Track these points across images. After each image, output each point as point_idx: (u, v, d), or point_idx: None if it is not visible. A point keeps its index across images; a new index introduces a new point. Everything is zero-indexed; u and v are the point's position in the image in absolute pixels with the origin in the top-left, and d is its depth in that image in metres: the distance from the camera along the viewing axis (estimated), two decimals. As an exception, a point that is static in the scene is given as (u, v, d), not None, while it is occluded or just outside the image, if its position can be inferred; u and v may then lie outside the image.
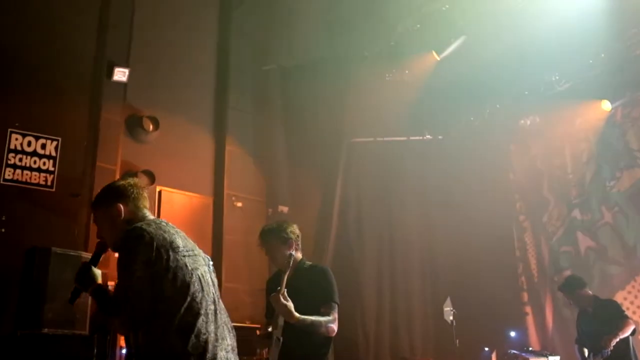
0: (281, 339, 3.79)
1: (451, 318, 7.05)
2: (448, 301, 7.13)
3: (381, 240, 9.62)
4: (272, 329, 3.85)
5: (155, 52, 8.78)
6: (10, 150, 6.79)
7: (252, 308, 8.18)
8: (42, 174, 6.91)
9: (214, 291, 2.89)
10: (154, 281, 2.66)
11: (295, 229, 4.24)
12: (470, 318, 7.84)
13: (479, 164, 9.58)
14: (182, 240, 2.87)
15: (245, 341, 4.62)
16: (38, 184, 6.85)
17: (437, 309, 8.80)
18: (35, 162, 6.89)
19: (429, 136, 10.06)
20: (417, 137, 10.04)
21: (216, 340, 2.74)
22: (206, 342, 2.69)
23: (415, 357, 8.19)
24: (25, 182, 6.80)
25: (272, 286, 4.22)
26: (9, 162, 6.77)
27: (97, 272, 2.92)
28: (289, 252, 4.09)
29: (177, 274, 2.72)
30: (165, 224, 2.89)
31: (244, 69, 9.68)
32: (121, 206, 2.95)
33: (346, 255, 9.18)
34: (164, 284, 2.68)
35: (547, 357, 6.79)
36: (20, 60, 7.03)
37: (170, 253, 2.74)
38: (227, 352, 2.78)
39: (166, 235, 2.79)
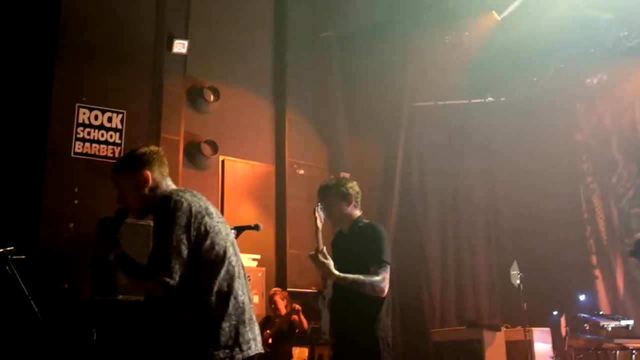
0: (327, 297, 3.79)
1: (518, 282, 6.96)
2: (515, 265, 7.03)
3: (444, 203, 9.56)
4: (322, 288, 3.85)
5: (213, 22, 8.84)
6: (78, 125, 7.00)
7: (316, 274, 8.24)
8: (110, 147, 7.10)
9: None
10: (194, 245, 2.72)
11: (355, 186, 4.15)
12: (538, 281, 7.72)
13: (543, 125, 9.33)
14: (213, 207, 2.92)
15: (312, 307, 4.69)
16: (106, 156, 7.05)
17: (503, 272, 8.71)
18: (102, 135, 7.09)
19: (491, 98, 9.85)
20: (479, 100, 9.84)
21: (250, 302, 2.84)
22: (243, 302, 2.78)
23: (481, 320, 8.14)
24: (94, 155, 7.01)
25: (335, 247, 4.22)
26: (78, 135, 6.98)
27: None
28: (348, 209, 4.07)
29: (215, 239, 2.79)
30: (195, 192, 2.92)
31: (302, 36, 9.66)
32: (148, 173, 2.93)
33: (410, 220, 9.16)
34: (203, 249, 2.74)
35: (619, 321, 6.63)
36: (85, 37, 7.20)
37: (207, 219, 2.79)
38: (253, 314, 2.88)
39: (201, 202, 2.84)
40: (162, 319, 2.75)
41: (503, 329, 7.38)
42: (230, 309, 2.73)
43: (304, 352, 7.62)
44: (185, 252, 2.69)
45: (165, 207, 2.75)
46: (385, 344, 3.85)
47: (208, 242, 2.76)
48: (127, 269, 2.85)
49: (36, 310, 4.98)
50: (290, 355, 6.74)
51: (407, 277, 8.67)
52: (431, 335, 8.28)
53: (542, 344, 7.40)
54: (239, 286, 2.80)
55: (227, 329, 2.70)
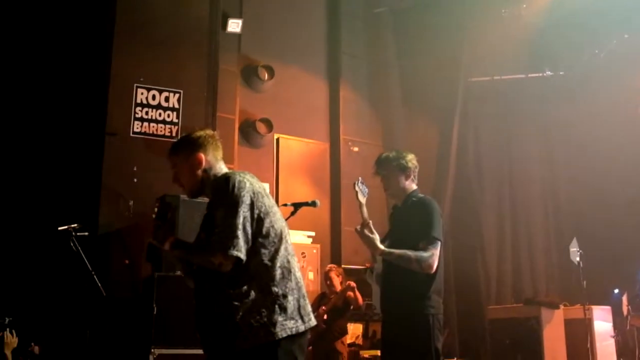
0: (374, 272, 3.78)
1: (578, 259, 6.83)
2: (574, 242, 6.90)
3: (501, 180, 9.41)
4: (373, 264, 3.84)
5: (266, 1, 8.86)
6: (137, 105, 7.14)
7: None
8: (167, 126, 7.22)
9: None
10: (257, 223, 2.83)
11: (414, 159, 4.09)
12: (598, 259, 7.56)
13: (604, 99, 9.06)
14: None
15: (366, 283, 4.70)
16: (164, 135, 7.18)
17: (561, 249, 8.57)
18: (160, 114, 7.21)
19: (549, 72, 9.60)
20: (536, 74, 9.61)
21: (302, 278, 2.98)
22: (300, 278, 2.94)
23: (538, 297, 8.02)
24: (152, 134, 7.15)
25: (391, 221, 4.19)
26: (136, 115, 7.12)
27: None
28: (405, 182, 4.05)
29: (274, 219, 2.90)
30: (252, 174, 3.00)
31: (355, 13, 9.59)
32: (202, 156, 3.02)
33: (465, 196, 9.05)
34: (265, 227, 2.85)
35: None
36: (141, 19, 7.31)
37: (266, 199, 2.91)
38: None
39: (259, 184, 2.95)
40: (228, 295, 2.81)
41: (562, 306, 7.26)
42: (293, 283, 2.86)
43: (359, 328, 7.68)
44: (249, 229, 2.80)
45: (228, 186, 2.84)
46: (435, 320, 3.82)
47: (269, 220, 2.87)
48: (187, 251, 2.97)
49: (99, 285, 5.15)
50: (345, 331, 6.78)
51: (463, 254, 8.60)
52: (487, 313, 8.21)
53: (602, 322, 7.26)
54: (295, 263, 2.94)
55: (292, 302, 2.83)
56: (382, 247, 3.70)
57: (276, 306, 2.79)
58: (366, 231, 3.69)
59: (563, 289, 8.69)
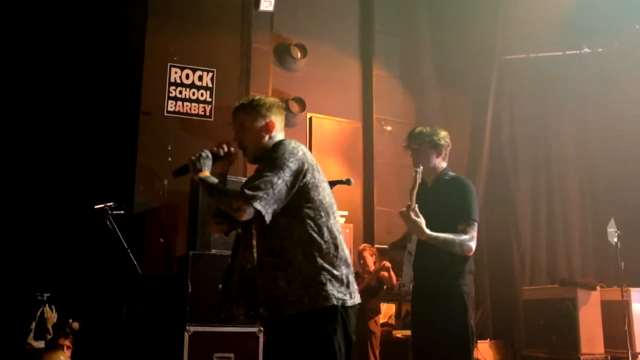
0: (413, 253, 3.75)
1: (615, 240, 6.72)
2: (612, 222, 6.78)
3: (536, 160, 9.27)
4: (407, 242, 3.80)
5: (299, -22, 8.81)
6: (170, 84, 7.16)
7: (404, 231, 8.24)
8: (201, 105, 7.24)
9: None
10: (303, 193, 2.86)
11: (447, 137, 4.00)
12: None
13: (645, 77, 8.85)
14: None
15: (399, 263, 4.68)
16: (197, 114, 7.20)
17: (597, 230, 8.43)
18: (193, 93, 7.23)
19: (587, 49, 9.37)
20: (573, 51, 9.39)
21: (349, 257, 3.00)
22: (348, 257, 2.96)
23: (574, 278, 7.93)
24: (186, 113, 7.17)
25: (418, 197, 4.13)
26: (170, 94, 7.14)
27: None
28: (436, 160, 3.99)
29: (323, 193, 2.93)
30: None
31: (388, -10, 9.49)
32: (274, 122, 3.06)
33: (500, 176, 8.96)
34: (312, 198, 2.88)
35: None
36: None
37: (316, 173, 2.94)
38: None
39: (312, 158, 2.98)
40: (272, 263, 2.85)
41: (598, 288, 7.17)
42: (341, 259, 2.89)
43: (392, 308, 7.68)
44: (284, 194, 2.81)
45: (281, 149, 2.88)
46: (470, 299, 3.83)
47: (317, 192, 2.90)
48: (213, 189, 2.96)
49: (135, 263, 5.21)
50: (378, 311, 6.78)
51: (497, 234, 8.51)
52: (521, 294, 8.14)
53: (640, 304, 7.16)
54: (342, 241, 2.96)
55: (339, 275, 2.86)
56: (428, 231, 3.65)
57: (321, 276, 2.80)
58: (412, 215, 3.66)
59: (599, 270, 8.58)
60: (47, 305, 4.79)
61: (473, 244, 3.76)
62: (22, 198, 6.47)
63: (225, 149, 3.08)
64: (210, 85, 7.31)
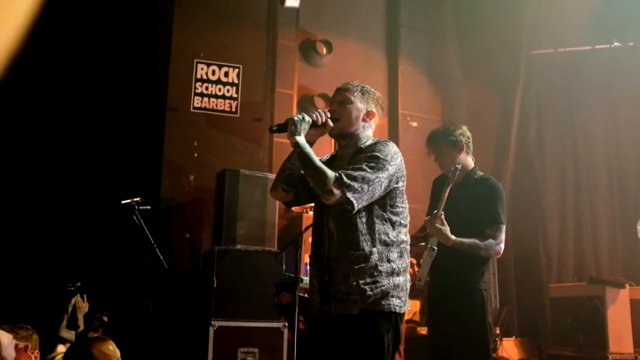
0: (436, 249, 3.74)
1: (645, 237, 6.61)
2: (642, 219, 6.68)
3: (564, 156, 9.16)
4: (429, 237, 3.79)
5: (324, -26, 8.78)
6: (197, 80, 7.20)
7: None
8: (227, 101, 7.27)
9: None
10: (390, 198, 2.97)
11: (465, 131, 4.02)
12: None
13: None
14: None
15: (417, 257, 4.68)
16: (223, 110, 7.23)
17: (626, 226, 8.31)
18: (219, 89, 7.26)
19: (617, 43, 9.22)
20: (603, 45, 9.25)
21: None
22: (409, 265, 3.06)
23: (602, 276, 7.82)
24: (212, 109, 7.20)
25: (439, 184, 4.09)
26: (196, 91, 7.18)
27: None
28: (458, 157, 3.96)
29: (406, 202, 3.06)
30: None
31: (414, -16, 9.43)
32: (375, 113, 3.15)
33: (527, 171, 8.86)
34: (397, 204, 3.00)
35: None
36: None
37: (405, 181, 3.08)
38: None
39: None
40: (348, 256, 2.89)
41: (627, 286, 7.07)
42: (406, 267, 3.00)
43: (416, 304, 7.64)
44: (377, 193, 2.90)
45: (386, 149, 2.97)
46: (488, 295, 3.90)
47: (403, 200, 3.03)
48: (308, 159, 2.95)
49: (161, 258, 5.26)
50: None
51: (523, 231, 8.43)
52: (548, 291, 8.06)
53: (670, 303, 7.04)
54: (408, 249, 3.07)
55: (403, 281, 2.95)
56: (453, 237, 3.70)
57: (389, 280, 2.87)
58: (437, 224, 3.67)
59: (628, 267, 8.46)
60: (78, 295, 4.84)
61: (501, 247, 3.83)
62: (53, 193, 6.56)
63: (323, 118, 3.07)
64: (236, 81, 7.33)
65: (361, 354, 2.82)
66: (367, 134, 3.11)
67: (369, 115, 3.11)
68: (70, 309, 4.73)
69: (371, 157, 2.92)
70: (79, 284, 4.96)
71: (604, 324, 6.76)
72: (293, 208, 7.30)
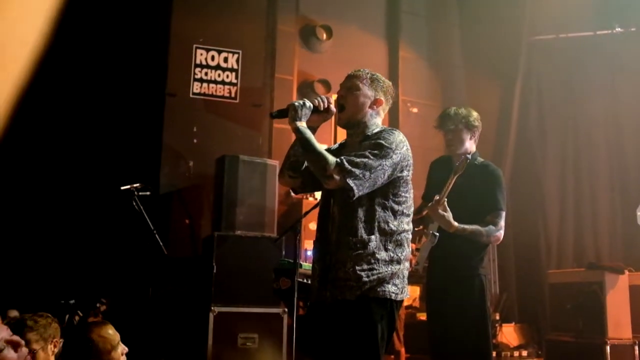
0: (437, 235, 3.74)
1: (644, 223, 6.61)
2: (641, 205, 6.68)
3: (564, 142, 9.14)
4: (429, 222, 3.79)
5: (324, -42, 8.73)
6: (196, 65, 7.17)
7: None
8: (226, 87, 7.24)
9: None
10: (394, 187, 2.93)
11: (479, 119, 4.02)
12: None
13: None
14: None
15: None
16: (223, 96, 7.20)
17: (626, 213, 8.31)
18: (219, 75, 7.23)
19: (619, 29, 9.16)
20: (605, 31, 9.20)
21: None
22: (409, 255, 3.03)
23: (602, 262, 7.83)
24: (211, 95, 7.18)
25: (437, 168, 4.11)
26: (195, 76, 7.16)
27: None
28: (469, 142, 3.96)
29: (411, 192, 3.02)
30: None
31: (415, -31, 9.38)
32: (383, 101, 3.10)
33: (527, 159, 8.86)
34: (401, 193, 2.95)
35: None
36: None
37: (411, 172, 3.02)
38: None
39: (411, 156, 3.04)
40: (347, 242, 2.89)
41: (626, 272, 7.07)
42: (406, 255, 2.98)
43: (416, 290, 7.66)
44: (379, 181, 2.86)
45: (391, 137, 2.93)
46: (487, 281, 3.93)
47: (407, 189, 2.99)
48: (309, 144, 2.92)
49: (161, 244, 5.26)
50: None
51: (523, 217, 8.44)
52: (547, 277, 8.07)
53: (669, 289, 7.05)
54: (410, 239, 3.04)
55: (402, 270, 2.93)
56: (456, 224, 3.69)
57: (387, 268, 2.86)
58: (440, 209, 3.66)
59: (628, 253, 8.46)
60: (75, 314, 4.81)
61: (501, 234, 3.83)
62: (53, 180, 6.55)
63: (326, 104, 3.06)
64: (235, 67, 7.30)
65: (354, 340, 2.82)
66: (376, 121, 3.07)
67: (376, 102, 3.06)
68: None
69: (375, 145, 2.89)
70: (73, 301, 4.95)
71: (603, 309, 6.76)
72: (293, 194, 7.30)
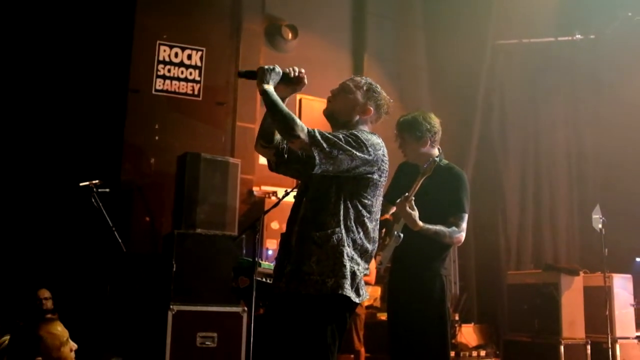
0: (402, 235, 3.77)
1: (600, 226, 6.74)
2: (597, 209, 6.80)
3: (525, 145, 9.30)
4: (394, 222, 3.83)
5: (292, -42, 8.72)
6: (159, 62, 7.12)
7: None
8: (189, 84, 7.20)
9: None
10: (363, 187, 2.91)
11: (433, 125, 4.00)
12: (620, 227, 7.47)
13: (636, 64, 8.84)
14: None
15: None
16: (186, 93, 7.16)
17: (584, 217, 8.48)
18: (182, 72, 7.18)
19: (579, 36, 9.35)
20: (566, 38, 9.38)
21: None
22: (371, 256, 2.99)
23: (559, 263, 7.98)
24: (174, 92, 7.13)
25: (406, 170, 4.13)
26: (158, 73, 7.10)
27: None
28: (423, 149, 3.99)
29: (379, 197, 3.00)
30: None
31: (381, -29, 9.42)
32: (372, 110, 3.06)
33: (489, 160, 8.98)
34: (368, 195, 2.92)
35: None
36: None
37: (384, 179, 2.99)
38: None
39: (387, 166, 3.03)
40: (311, 237, 2.87)
41: (581, 273, 7.22)
42: (368, 258, 2.96)
43: (377, 290, 7.70)
44: (344, 166, 2.82)
45: (371, 138, 2.91)
46: (447, 281, 3.95)
47: (377, 196, 2.97)
48: (277, 105, 2.88)
49: (120, 241, 5.21)
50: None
51: (484, 218, 8.55)
52: (506, 278, 8.20)
53: (622, 290, 7.21)
54: (375, 245, 3.02)
55: (362, 272, 2.92)
56: (421, 223, 3.73)
57: (349, 266, 2.83)
58: (408, 207, 3.69)
59: (583, 256, 8.64)
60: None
61: (462, 235, 3.90)
62: (11, 174, 6.45)
63: (297, 72, 3.02)
64: (199, 64, 7.27)
65: (303, 335, 2.81)
66: (362, 129, 3.03)
67: (365, 111, 3.04)
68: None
69: (351, 134, 2.88)
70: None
71: (558, 310, 6.90)
72: (255, 192, 7.30)
